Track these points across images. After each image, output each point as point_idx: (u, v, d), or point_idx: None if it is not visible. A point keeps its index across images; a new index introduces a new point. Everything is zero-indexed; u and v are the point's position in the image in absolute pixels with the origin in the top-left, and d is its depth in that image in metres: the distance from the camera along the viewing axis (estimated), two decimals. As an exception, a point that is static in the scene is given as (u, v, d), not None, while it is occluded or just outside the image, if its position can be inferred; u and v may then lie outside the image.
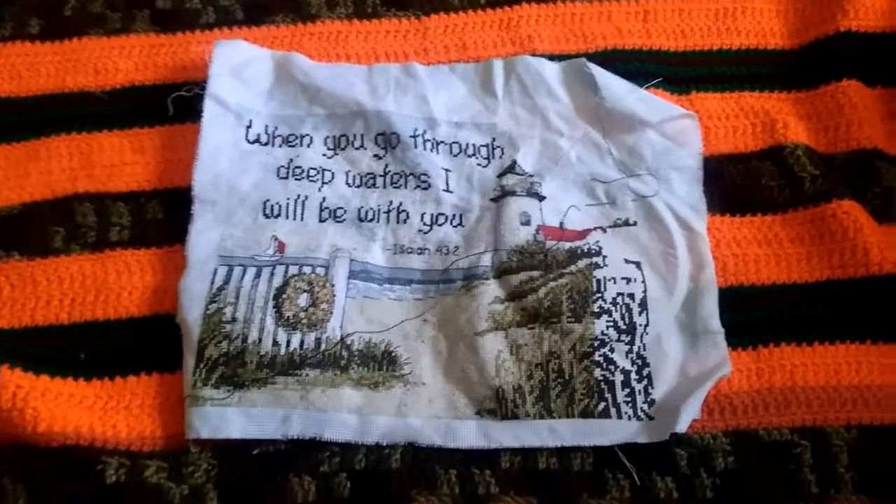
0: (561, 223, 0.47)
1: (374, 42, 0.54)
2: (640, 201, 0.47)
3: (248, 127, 0.49)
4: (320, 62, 0.52)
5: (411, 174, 0.48)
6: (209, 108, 0.48)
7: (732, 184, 0.48)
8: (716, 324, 0.43)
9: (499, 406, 0.41)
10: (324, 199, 0.47)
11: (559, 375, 0.42)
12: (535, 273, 0.45)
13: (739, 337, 0.43)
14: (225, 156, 0.48)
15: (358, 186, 0.48)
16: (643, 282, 0.45)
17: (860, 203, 0.46)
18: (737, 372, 0.43)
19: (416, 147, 0.48)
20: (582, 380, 0.42)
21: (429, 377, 0.43)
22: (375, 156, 0.49)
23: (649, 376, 0.42)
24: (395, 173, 0.48)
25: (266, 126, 0.49)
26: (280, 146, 0.49)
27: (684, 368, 0.43)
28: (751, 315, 0.44)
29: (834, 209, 0.46)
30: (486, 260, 0.45)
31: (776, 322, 0.44)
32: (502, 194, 0.47)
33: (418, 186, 0.48)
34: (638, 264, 0.45)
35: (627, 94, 0.49)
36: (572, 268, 0.45)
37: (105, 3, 0.55)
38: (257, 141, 0.49)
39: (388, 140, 0.49)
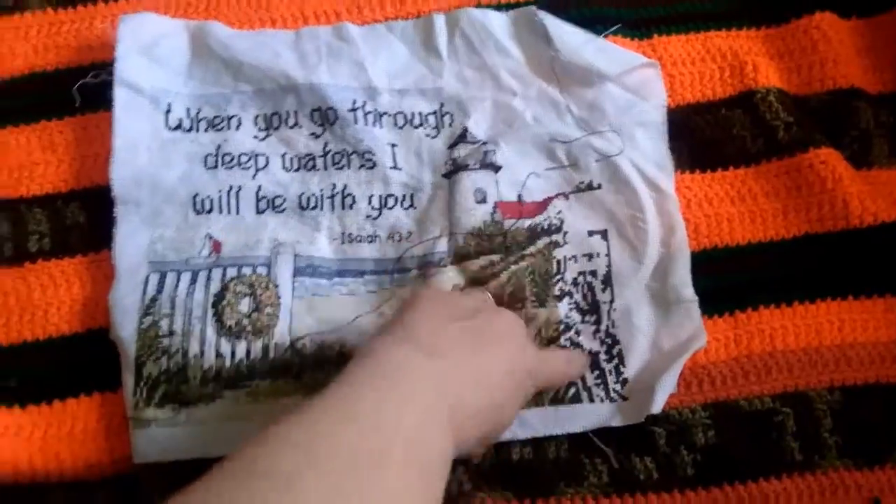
0: (519, 195, 0.43)
1: (301, 2, 0.48)
2: (604, 161, 0.43)
3: (168, 112, 0.44)
4: (241, 30, 0.46)
5: (354, 152, 0.44)
6: (120, 95, 0.43)
7: (701, 136, 0.44)
8: (689, 292, 0.41)
9: (466, 399, 0.39)
10: (259, 187, 0.43)
11: (527, 362, 0.39)
12: (496, 257, 0.41)
13: (715, 304, 0.41)
14: (144, 148, 0.43)
15: (296, 170, 0.44)
16: (608, 255, 0.42)
17: (838, 149, 0.43)
18: (714, 341, 0.40)
19: (356, 122, 0.44)
20: (550, 365, 0.39)
21: (389, 375, 0.40)
22: (312, 134, 0.44)
23: (620, 354, 0.40)
24: (336, 153, 0.44)
25: (188, 109, 0.44)
26: (206, 130, 0.44)
27: (657, 342, 0.40)
28: (726, 279, 0.42)
29: (811, 159, 0.42)
30: (442, 245, 0.42)
31: (753, 284, 0.41)
32: (454, 169, 0.43)
33: (363, 166, 0.44)
34: (604, 233, 0.42)
35: (584, 45, 0.44)
36: (532, 249, 0.41)
37: (-10, -23, 0.48)
38: (179, 127, 0.44)
39: (325, 116, 0.44)
